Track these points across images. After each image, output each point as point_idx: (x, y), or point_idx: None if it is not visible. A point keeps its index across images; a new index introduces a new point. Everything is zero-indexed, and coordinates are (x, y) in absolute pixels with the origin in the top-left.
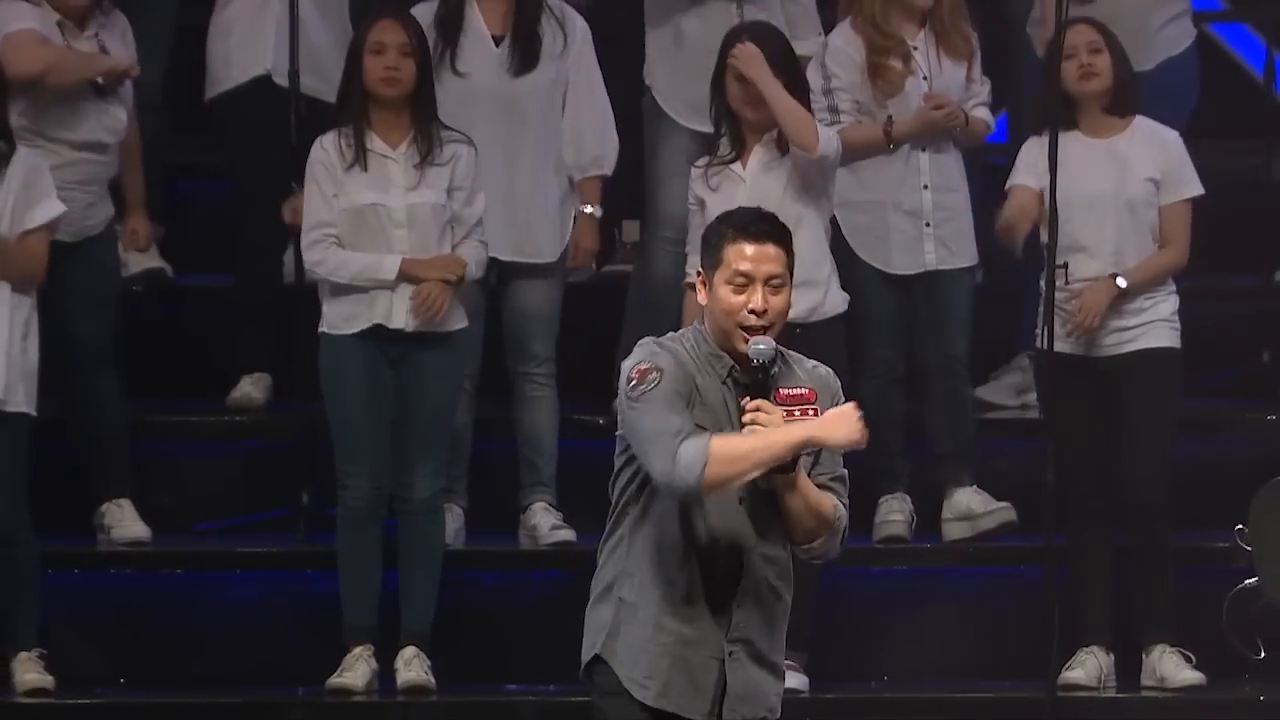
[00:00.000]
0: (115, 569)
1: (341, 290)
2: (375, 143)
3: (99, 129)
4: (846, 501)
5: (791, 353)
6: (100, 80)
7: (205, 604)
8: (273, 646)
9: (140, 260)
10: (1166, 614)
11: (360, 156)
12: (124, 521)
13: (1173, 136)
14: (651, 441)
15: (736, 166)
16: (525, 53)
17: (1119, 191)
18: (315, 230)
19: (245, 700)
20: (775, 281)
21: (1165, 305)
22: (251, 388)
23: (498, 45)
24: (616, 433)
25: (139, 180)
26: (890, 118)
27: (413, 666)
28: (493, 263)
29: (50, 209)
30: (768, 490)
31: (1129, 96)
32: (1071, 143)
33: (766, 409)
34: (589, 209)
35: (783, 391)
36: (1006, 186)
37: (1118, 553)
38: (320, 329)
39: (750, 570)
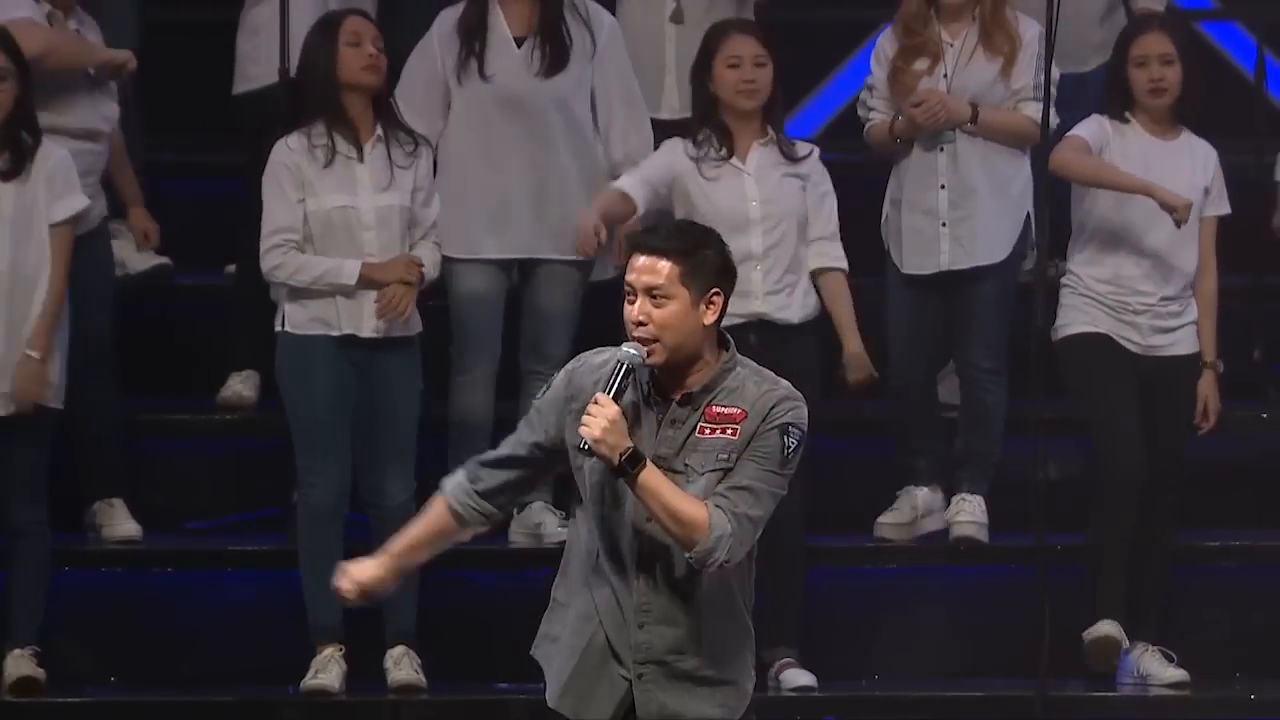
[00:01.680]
0: (106, 567)
1: (307, 292)
2: (341, 144)
3: (94, 116)
4: (744, 511)
5: (764, 372)
6: (92, 70)
7: (196, 602)
8: (263, 645)
9: (144, 258)
10: (1155, 614)
11: (330, 157)
12: (115, 520)
13: (1214, 151)
14: None
15: (736, 160)
16: (553, 54)
17: (1183, 191)
18: (275, 235)
19: (236, 699)
20: (656, 294)
21: (1192, 309)
22: (241, 385)
23: (519, 46)
24: None
25: (131, 177)
26: (896, 115)
27: (403, 665)
28: (515, 261)
29: (74, 203)
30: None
31: (1195, 103)
32: (1135, 135)
33: (602, 402)
34: None
35: (714, 409)
36: (1066, 135)
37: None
38: (281, 328)
39: (659, 591)
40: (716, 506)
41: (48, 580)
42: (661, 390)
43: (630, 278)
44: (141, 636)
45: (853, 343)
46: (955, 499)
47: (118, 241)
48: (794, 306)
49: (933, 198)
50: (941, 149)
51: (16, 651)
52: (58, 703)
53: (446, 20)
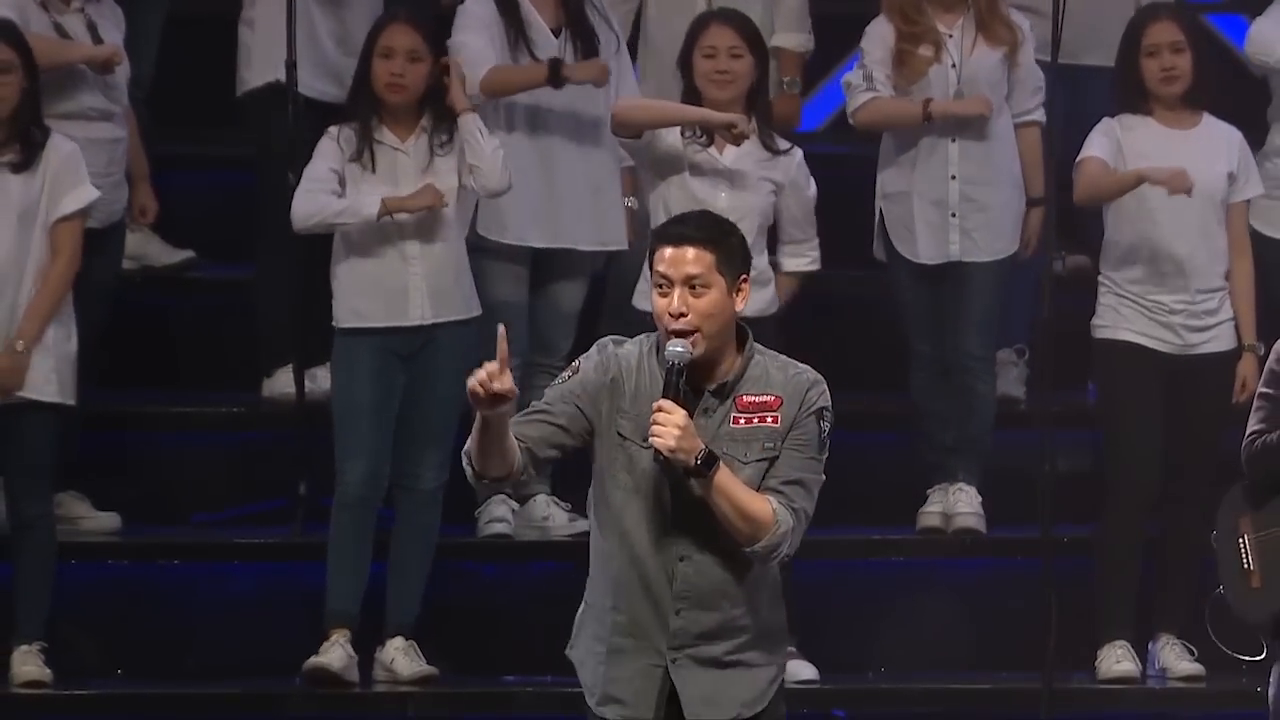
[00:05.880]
0: (112, 559)
1: (356, 285)
2: (386, 135)
3: (99, 98)
4: (800, 506)
5: (780, 356)
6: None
7: (202, 595)
8: (269, 637)
9: (170, 252)
10: (1181, 606)
11: (370, 155)
12: (77, 511)
13: (1239, 134)
14: None
15: (713, 150)
16: (585, 47)
17: (1203, 182)
18: (306, 182)
19: (242, 691)
20: (696, 283)
21: (1229, 306)
22: (283, 382)
23: (556, 37)
24: None
25: (141, 158)
26: (929, 98)
27: (410, 655)
28: (527, 252)
29: (82, 195)
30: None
31: (1208, 90)
32: (1148, 130)
33: (668, 409)
34: (628, 201)
35: (745, 399)
36: (1077, 160)
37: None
38: (334, 323)
39: (686, 577)
40: (778, 502)
41: (53, 573)
42: (691, 381)
43: (666, 270)
44: (148, 629)
45: None
46: (951, 489)
47: (139, 235)
48: (750, 300)
49: (943, 189)
50: (953, 140)
51: (24, 648)
52: (64, 695)
53: (484, 9)
